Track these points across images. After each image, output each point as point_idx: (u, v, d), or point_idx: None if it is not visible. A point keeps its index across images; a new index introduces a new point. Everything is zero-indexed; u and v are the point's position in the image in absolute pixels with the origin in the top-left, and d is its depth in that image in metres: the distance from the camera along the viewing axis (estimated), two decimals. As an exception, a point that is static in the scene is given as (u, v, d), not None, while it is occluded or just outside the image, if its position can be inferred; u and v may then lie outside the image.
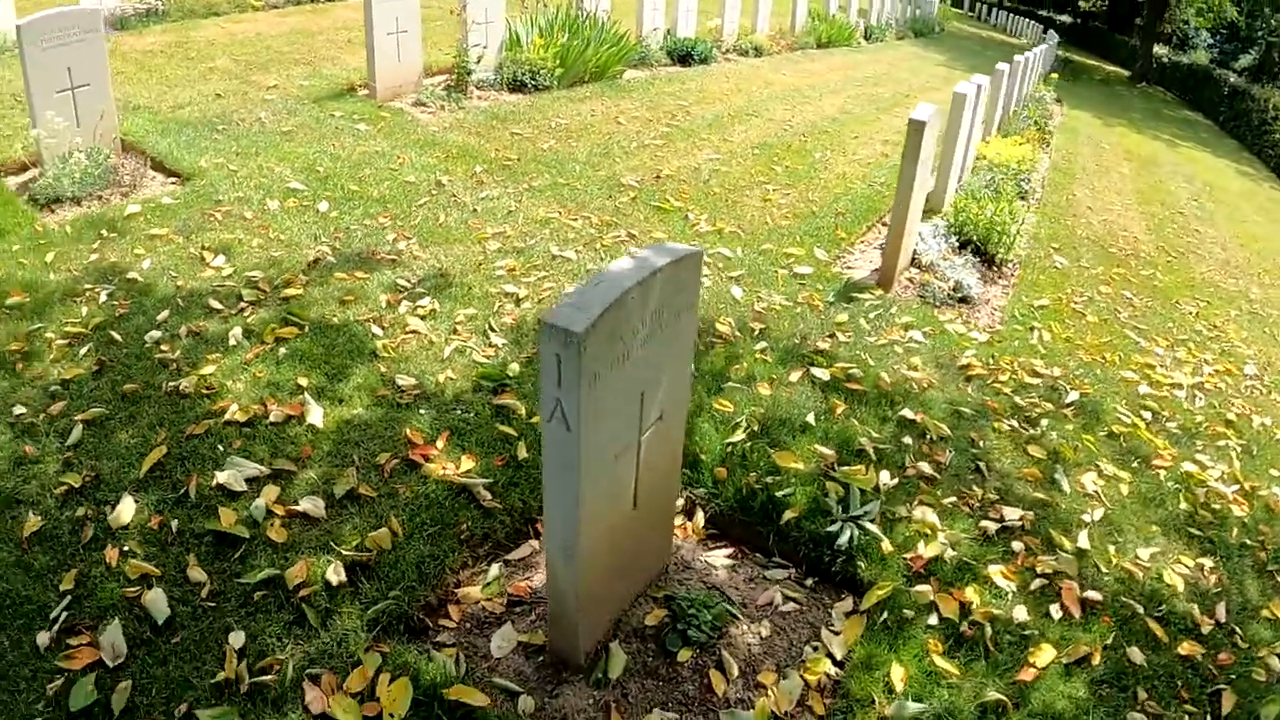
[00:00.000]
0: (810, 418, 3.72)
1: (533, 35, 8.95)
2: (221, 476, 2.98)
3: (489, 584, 2.78)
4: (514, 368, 3.82)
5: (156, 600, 2.50)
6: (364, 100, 7.58)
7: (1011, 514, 3.35)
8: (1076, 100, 18.84)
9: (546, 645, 2.55)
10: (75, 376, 3.49)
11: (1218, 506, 3.70)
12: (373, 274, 4.55)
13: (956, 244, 6.00)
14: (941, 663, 2.66)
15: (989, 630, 2.80)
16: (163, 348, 3.72)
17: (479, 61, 8.22)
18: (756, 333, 4.47)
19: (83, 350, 3.67)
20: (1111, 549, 3.30)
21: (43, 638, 2.39)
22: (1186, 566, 3.29)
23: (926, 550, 3.07)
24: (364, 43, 7.57)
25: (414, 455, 3.20)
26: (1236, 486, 3.90)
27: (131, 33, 9.10)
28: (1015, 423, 4.01)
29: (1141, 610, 3.01)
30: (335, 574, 2.64)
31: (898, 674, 2.60)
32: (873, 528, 3.10)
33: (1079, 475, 3.72)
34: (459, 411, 3.50)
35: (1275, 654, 2.93)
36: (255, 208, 5.23)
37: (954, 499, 3.38)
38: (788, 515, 3.13)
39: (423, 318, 4.19)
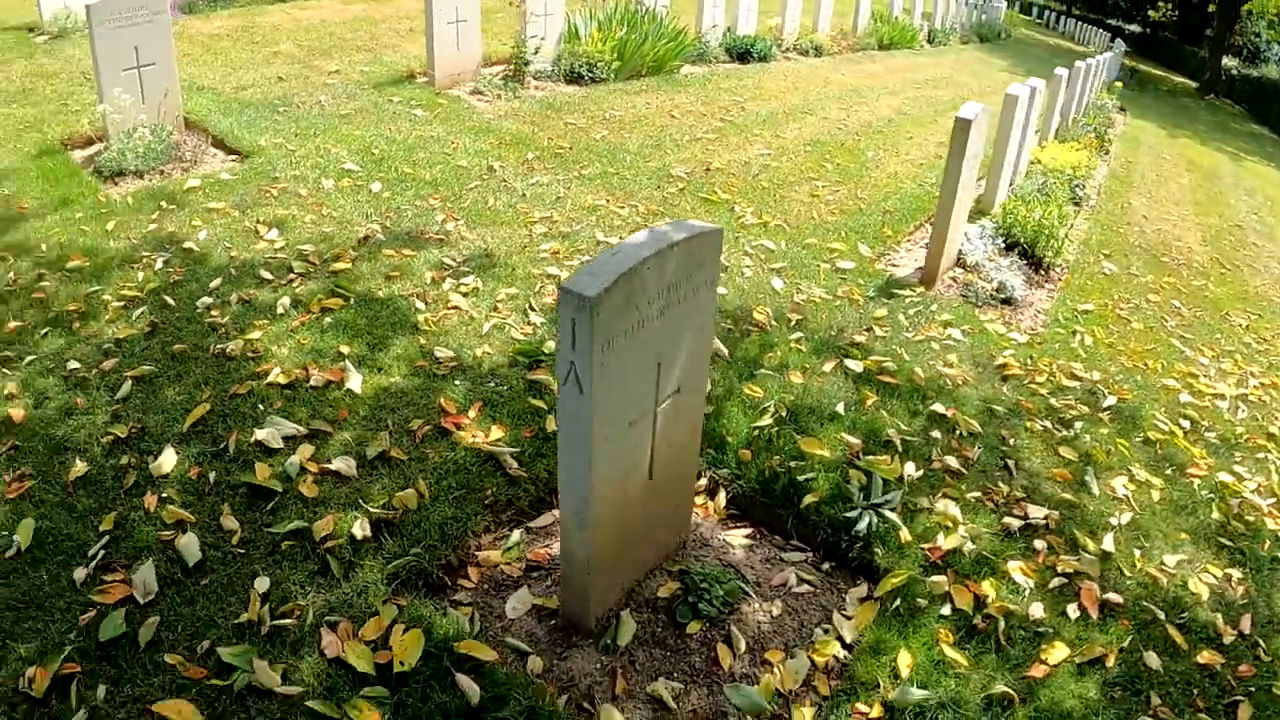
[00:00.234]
0: (840, 407, 3.73)
1: (591, 28, 9.05)
2: (260, 434, 3.11)
3: (509, 549, 2.86)
4: (550, 345, 3.89)
5: (189, 544, 2.62)
6: (422, 87, 7.74)
7: (1036, 512, 3.33)
8: (1141, 110, 18.41)
9: (559, 609, 2.61)
10: (128, 336, 3.65)
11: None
12: (420, 252, 4.66)
13: (1003, 246, 5.94)
14: (951, 653, 2.66)
15: (1002, 624, 2.78)
16: (213, 313, 3.87)
17: (536, 52, 8.34)
18: (793, 323, 4.49)
19: (136, 313, 3.83)
20: (1137, 553, 3.25)
21: (80, 573, 2.52)
22: (1214, 576, 3.23)
23: (945, 542, 3.06)
24: (424, 31, 7.73)
25: (446, 423, 3.29)
26: (1273, 499, 3.81)
27: (199, 16, 9.40)
28: (1048, 424, 3.97)
29: (1162, 616, 2.96)
30: (361, 529, 2.73)
31: (905, 661, 2.61)
32: (893, 516, 3.11)
33: (1110, 479, 3.67)
34: (493, 384, 3.59)
35: (1299, 667, 2.87)
36: (310, 186, 5.39)
37: (978, 494, 3.37)
38: (808, 499, 3.16)
39: (465, 295, 4.28)
